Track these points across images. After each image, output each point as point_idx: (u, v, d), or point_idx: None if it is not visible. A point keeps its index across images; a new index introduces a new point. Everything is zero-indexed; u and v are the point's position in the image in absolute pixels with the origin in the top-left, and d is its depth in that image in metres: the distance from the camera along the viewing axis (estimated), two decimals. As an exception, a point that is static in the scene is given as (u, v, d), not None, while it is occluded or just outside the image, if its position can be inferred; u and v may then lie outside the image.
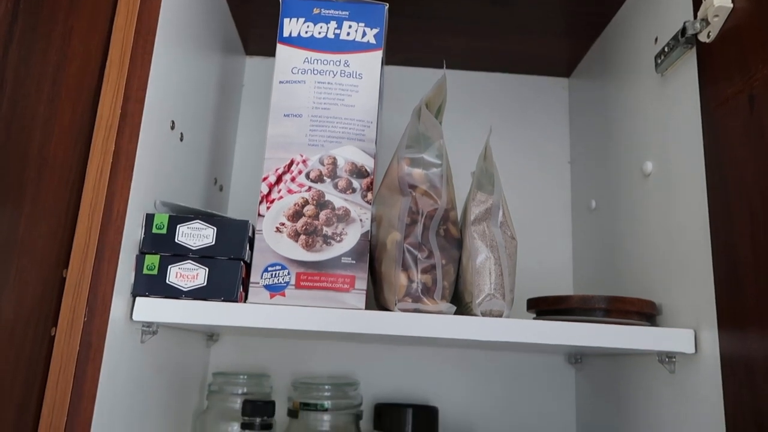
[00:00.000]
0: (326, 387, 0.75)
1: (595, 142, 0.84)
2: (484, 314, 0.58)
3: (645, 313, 0.60)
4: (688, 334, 0.56)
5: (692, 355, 0.56)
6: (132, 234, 0.56)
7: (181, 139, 0.67)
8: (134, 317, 0.55)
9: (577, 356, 0.85)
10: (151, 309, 0.55)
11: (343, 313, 0.55)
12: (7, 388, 0.46)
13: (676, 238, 0.60)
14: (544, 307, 0.62)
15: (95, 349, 0.51)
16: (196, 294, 0.56)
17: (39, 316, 0.49)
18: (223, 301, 0.56)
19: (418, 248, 0.59)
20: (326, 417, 0.74)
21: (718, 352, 0.53)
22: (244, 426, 0.67)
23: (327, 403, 0.74)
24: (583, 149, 0.89)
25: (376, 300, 0.64)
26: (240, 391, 0.76)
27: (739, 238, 0.51)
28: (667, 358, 0.59)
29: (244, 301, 0.58)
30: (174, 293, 0.56)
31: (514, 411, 0.85)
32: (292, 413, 0.76)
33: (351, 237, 0.59)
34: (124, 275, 0.54)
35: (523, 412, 0.85)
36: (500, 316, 0.59)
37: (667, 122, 0.64)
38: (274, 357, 0.86)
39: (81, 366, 0.50)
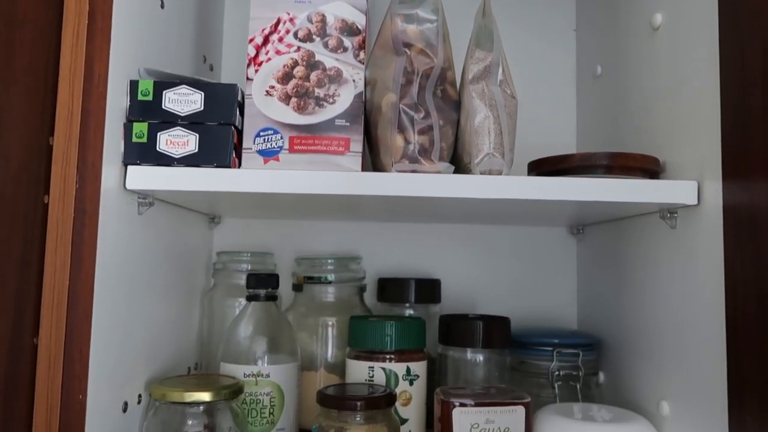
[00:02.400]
0: (329, 261, 0.76)
1: (602, 3, 0.80)
2: (483, 174, 0.57)
3: (648, 169, 0.59)
4: (691, 186, 0.55)
5: (694, 208, 0.55)
6: (117, 102, 0.54)
7: (162, 6, 0.63)
8: (127, 186, 0.54)
9: (579, 226, 0.85)
10: (144, 177, 0.54)
11: (339, 175, 0.54)
12: (5, 250, 0.46)
13: (684, 91, 0.58)
14: (546, 168, 0.61)
15: (90, 216, 0.50)
16: (189, 161, 0.55)
17: (29, 183, 0.48)
18: (216, 167, 0.55)
19: (414, 109, 0.57)
20: (330, 289, 0.76)
21: (721, 203, 0.52)
22: (249, 298, 0.68)
23: (330, 276, 0.75)
24: (589, 14, 0.85)
25: (374, 166, 0.63)
26: (244, 268, 0.77)
27: (751, 84, 0.49)
28: (669, 213, 0.59)
29: (238, 168, 0.57)
30: (166, 161, 0.55)
31: (516, 283, 0.87)
32: (297, 287, 0.77)
33: (344, 98, 0.57)
34: (113, 144, 0.53)
35: (525, 284, 0.87)
36: (499, 175, 0.57)
37: (680, -34, 0.59)
38: (277, 238, 0.86)
39: (78, 232, 0.50)
